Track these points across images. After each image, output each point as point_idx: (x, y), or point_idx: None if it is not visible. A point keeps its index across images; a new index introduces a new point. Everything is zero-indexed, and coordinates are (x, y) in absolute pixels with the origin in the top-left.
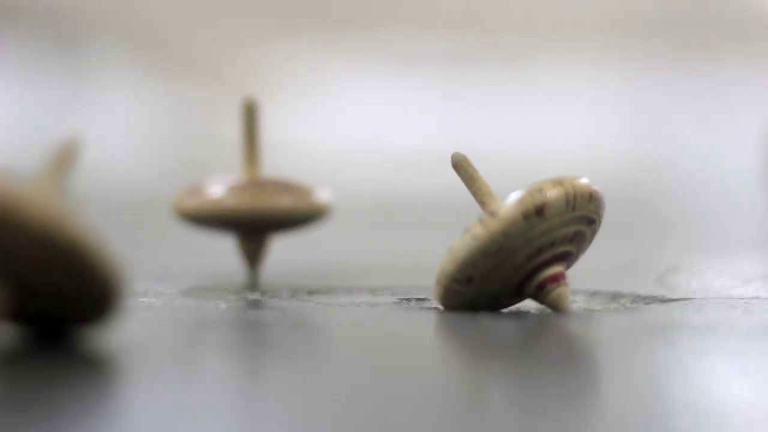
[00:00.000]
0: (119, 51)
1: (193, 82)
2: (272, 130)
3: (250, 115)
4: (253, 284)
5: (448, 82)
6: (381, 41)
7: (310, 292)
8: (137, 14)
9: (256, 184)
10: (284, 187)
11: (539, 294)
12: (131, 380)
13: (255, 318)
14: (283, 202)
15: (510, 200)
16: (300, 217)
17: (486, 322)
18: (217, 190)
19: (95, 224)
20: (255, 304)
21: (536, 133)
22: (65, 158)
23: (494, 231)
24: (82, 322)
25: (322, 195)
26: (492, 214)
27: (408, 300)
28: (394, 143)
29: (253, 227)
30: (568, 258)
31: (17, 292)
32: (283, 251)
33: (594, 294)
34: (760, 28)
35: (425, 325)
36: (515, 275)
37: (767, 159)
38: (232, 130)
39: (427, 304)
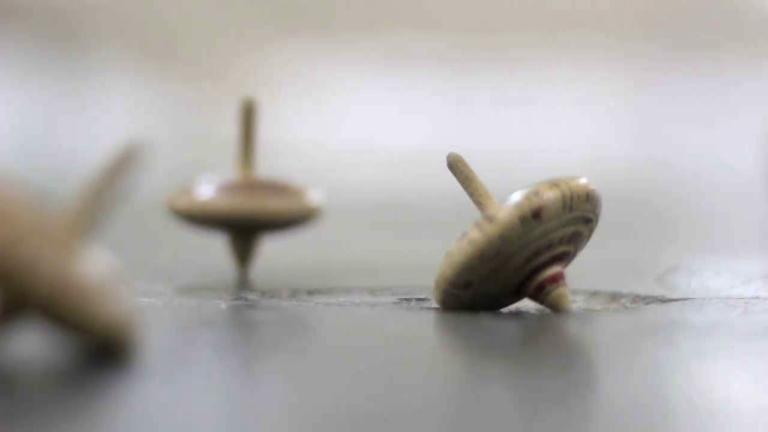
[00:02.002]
0: (119, 51)
1: (194, 82)
2: (272, 130)
3: (249, 116)
4: (243, 282)
5: (448, 82)
6: (380, 42)
7: (310, 292)
8: (138, 15)
9: (248, 185)
10: (276, 188)
11: (539, 295)
12: (130, 380)
13: (254, 318)
14: (275, 204)
15: (507, 204)
16: (291, 219)
17: (486, 322)
18: (209, 190)
19: (109, 272)
20: (254, 304)
21: (536, 133)
22: (122, 166)
23: (492, 236)
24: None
25: (314, 197)
26: (489, 218)
27: (408, 300)
28: (393, 143)
29: (244, 228)
30: (566, 258)
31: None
32: (283, 251)
33: (594, 294)
34: (760, 28)
35: (425, 325)
36: (514, 277)
37: (767, 159)
38: (232, 131)
39: (427, 304)
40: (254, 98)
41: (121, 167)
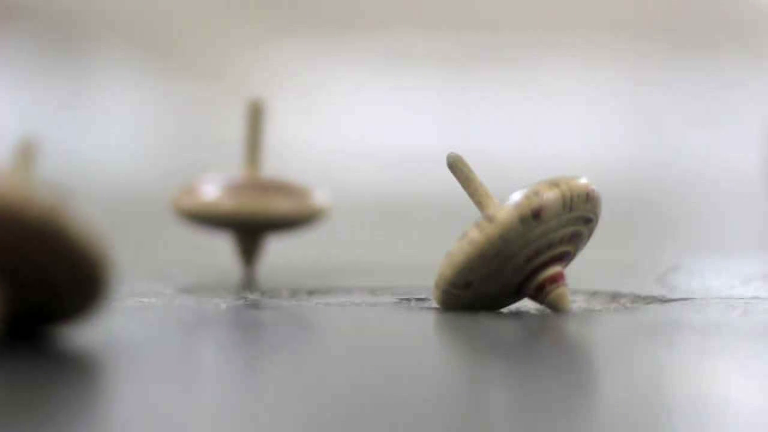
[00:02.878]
0: (122, 52)
1: (196, 82)
2: (273, 130)
3: (256, 116)
4: (248, 283)
5: (448, 82)
6: (381, 42)
7: (310, 292)
8: (140, 15)
9: (254, 185)
10: (282, 189)
11: (539, 295)
12: (130, 379)
13: (255, 318)
14: (281, 205)
15: (507, 204)
16: (297, 220)
17: (486, 322)
18: (215, 190)
19: (79, 209)
20: (255, 304)
21: (536, 133)
22: (24, 158)
23: (492, 236)
24: (72, 311)
25: (321, 198)
26: (489, 218)
27: (408, 300)
28: (394, 143)
29: (250, 228)
30: (566, 258)
31: (5, 286)
32: (283, 251)
33: (594, 294)
34: (763, 28)
35: (425, 325)
36: (514, 277)
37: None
38: (234, 131)
39: (427, 304)
40: (262, 99)
41: (20, 159)
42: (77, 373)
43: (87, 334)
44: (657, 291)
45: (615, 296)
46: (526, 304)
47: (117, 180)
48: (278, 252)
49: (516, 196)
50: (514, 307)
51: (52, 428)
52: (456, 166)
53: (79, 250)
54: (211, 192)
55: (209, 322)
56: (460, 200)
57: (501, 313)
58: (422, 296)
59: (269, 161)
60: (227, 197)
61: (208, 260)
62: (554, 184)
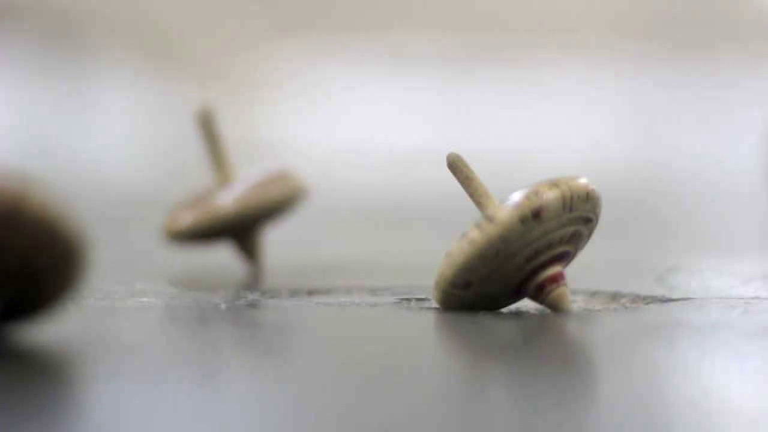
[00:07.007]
0: (120, 52)
1: (193, 82)
2: (272, 130)
3: (207, 124)
4: (257, 279)
5: (448, 82)
6: (381, 42)
7: (310, 292)
8: (138, 15)
9: (237, 185)
10: (266, 179)
11: (539, 295)
12: (129, 380)
13: (254, 318)
14: (272, 194)
15: (507, 204)
16: (292, 202)
17: (486, 322)
18: (210, 202)
19: (48, 190)
20: (255, 304)
21: (535, 133)
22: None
23: (492, 236)
24: (51, 296)
25: (299, 175)
26: (489, 218)
27: (408, 300)
28: (393, 143)
29: (250, 225)
30: (566, 258)
31: None
32: (283, 251)
33: (594, 294)
34: (760, 28)
35: (425, 325)
36: (514, 277)
37: (767, 159)
38: (232, 131)
39: (427, 304)
40: (209, 106)
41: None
42: (76, 372)
43: (86, 334)
44: (657, 291)
45: (615, 296)
46: (526, 304)
47: (116, 179)
48: (278, 252)
49: (516, 196)
50: (514, 307)
51: (48, 428)
52: (456, 165)
53: (54, 231)
54: (209, 204)
55: (209, 322)
56: (459, 200)
57: (501, 313)
58: (422, 296)
59: (268, 162)
60: (222, 204)
61: (208, 260)
62: (554, 184)
